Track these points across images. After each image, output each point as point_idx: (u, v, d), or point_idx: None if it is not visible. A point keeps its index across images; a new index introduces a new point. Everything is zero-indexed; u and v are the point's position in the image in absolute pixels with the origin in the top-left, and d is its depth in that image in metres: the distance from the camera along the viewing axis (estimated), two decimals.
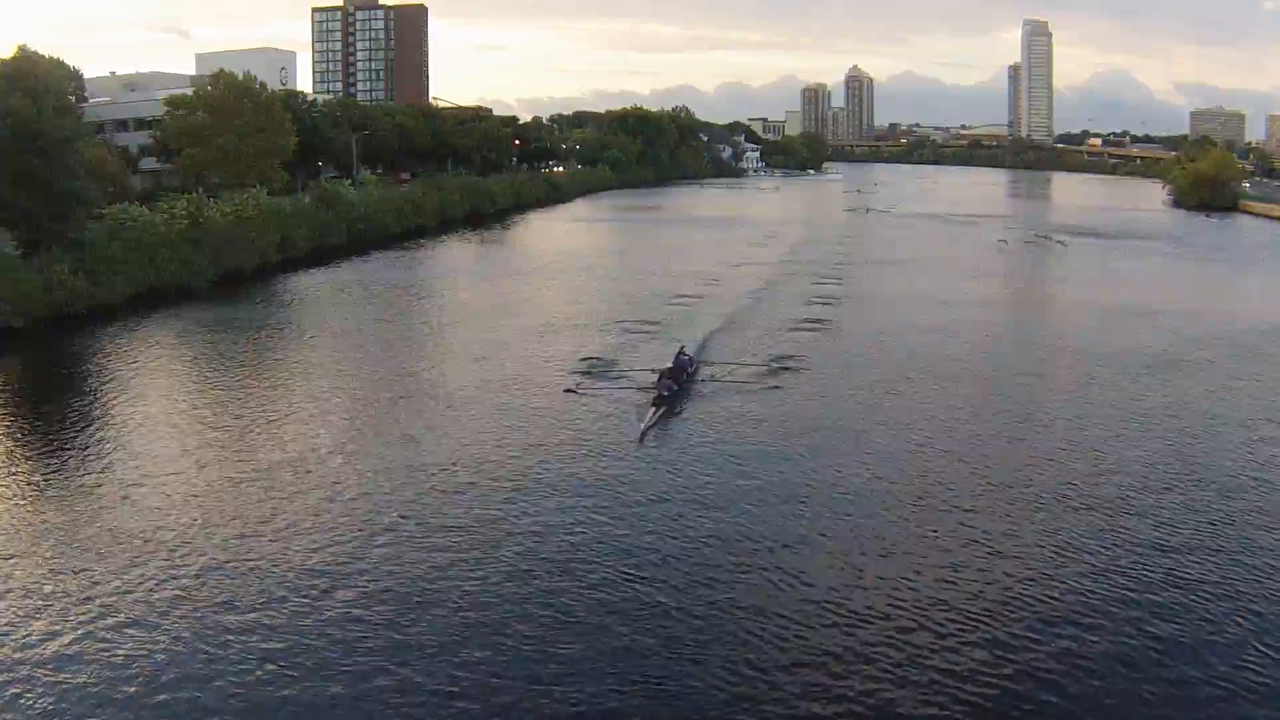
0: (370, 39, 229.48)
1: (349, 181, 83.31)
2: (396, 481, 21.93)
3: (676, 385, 28.27)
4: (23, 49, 49.33)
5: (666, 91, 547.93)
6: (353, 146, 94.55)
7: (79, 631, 15.29)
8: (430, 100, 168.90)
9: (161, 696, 13.68)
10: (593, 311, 44.13)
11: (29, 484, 22.14)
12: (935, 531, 19.33)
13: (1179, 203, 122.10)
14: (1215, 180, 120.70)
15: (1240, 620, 15.83)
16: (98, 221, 47.25)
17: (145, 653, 14.71)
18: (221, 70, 76.04)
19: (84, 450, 24.44)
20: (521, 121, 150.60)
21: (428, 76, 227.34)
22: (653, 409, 26.37)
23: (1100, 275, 60.65)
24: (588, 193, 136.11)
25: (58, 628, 15.42)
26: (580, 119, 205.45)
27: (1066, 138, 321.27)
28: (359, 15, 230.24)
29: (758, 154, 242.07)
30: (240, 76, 73.85)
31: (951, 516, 20.02)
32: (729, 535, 19.02)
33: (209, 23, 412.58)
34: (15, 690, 13.76)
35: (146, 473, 22.62)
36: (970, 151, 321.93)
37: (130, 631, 15.31)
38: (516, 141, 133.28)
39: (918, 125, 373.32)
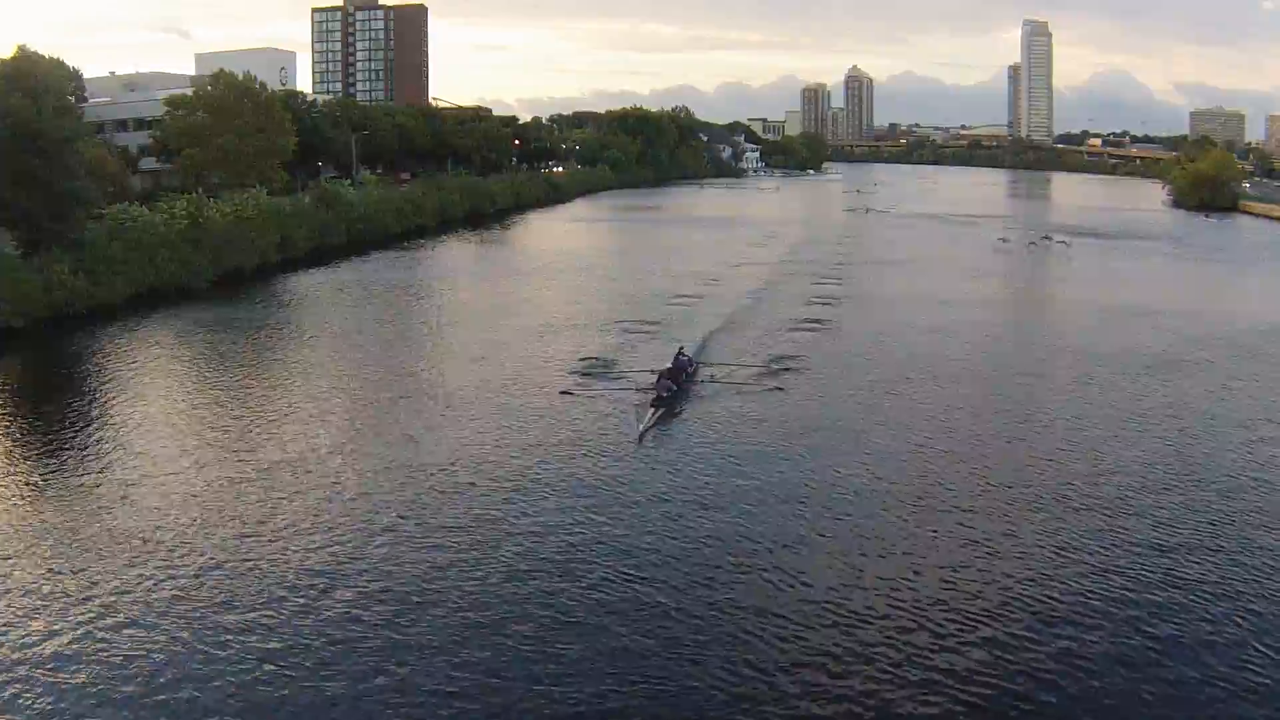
0: (370, 39, 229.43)
1: (349, 181, 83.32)
2: (396, 482, 21.93)
3: (676, 386, 28.25)
4: (23, 49, 49.29)
5: (666, 91, 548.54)
6: (352, 146, 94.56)
7: (78, 631, 15.29)
8: (430, 100, 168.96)
9: (161, 696, 13.68)
10: (592, 311, 44.14)
11: (29, 484, 22.14)
12: (935, 531, 19.34)
13: (1179, 203, 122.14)
14: (1215, 180, 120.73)
15: (1240, 620, 15.83)
16: (98, 221, 47.26)
17: (144, 652, 14.71)
18: (221, 70, 76.04)
19: (84, 450, 24.44)
20: (521, 121, 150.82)
21: (428, 76, 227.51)
22: (652, 409, 26.35)
23: (1100, 275, 60.66)
24: (587, 193, 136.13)
25: (57, 627, 15.42)
26: (580, 119, 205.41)
27: (1066, 138, 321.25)
28: (359, 15, 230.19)
29: (757, 154, 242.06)
30: (240, 76, 73.85)
31: (951, 516, 20.03)
32: (728, 536, 19.02)
33: (209, 23, 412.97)
34: (15, 690, 13.75)
35: (146, 473, 22.62)
36: (970, 152, 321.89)
37: (130, 631, 15.31)
38: (516, 141, 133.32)
39: (917, 125, 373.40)
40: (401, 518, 19.80)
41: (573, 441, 24.65)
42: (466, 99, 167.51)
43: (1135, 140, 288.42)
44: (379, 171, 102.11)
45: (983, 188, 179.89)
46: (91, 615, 15.79)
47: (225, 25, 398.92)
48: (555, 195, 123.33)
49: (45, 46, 71.85)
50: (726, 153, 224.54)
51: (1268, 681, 14.13)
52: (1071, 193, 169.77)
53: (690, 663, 14.54)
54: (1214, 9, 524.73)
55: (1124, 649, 14.96)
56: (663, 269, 60.20)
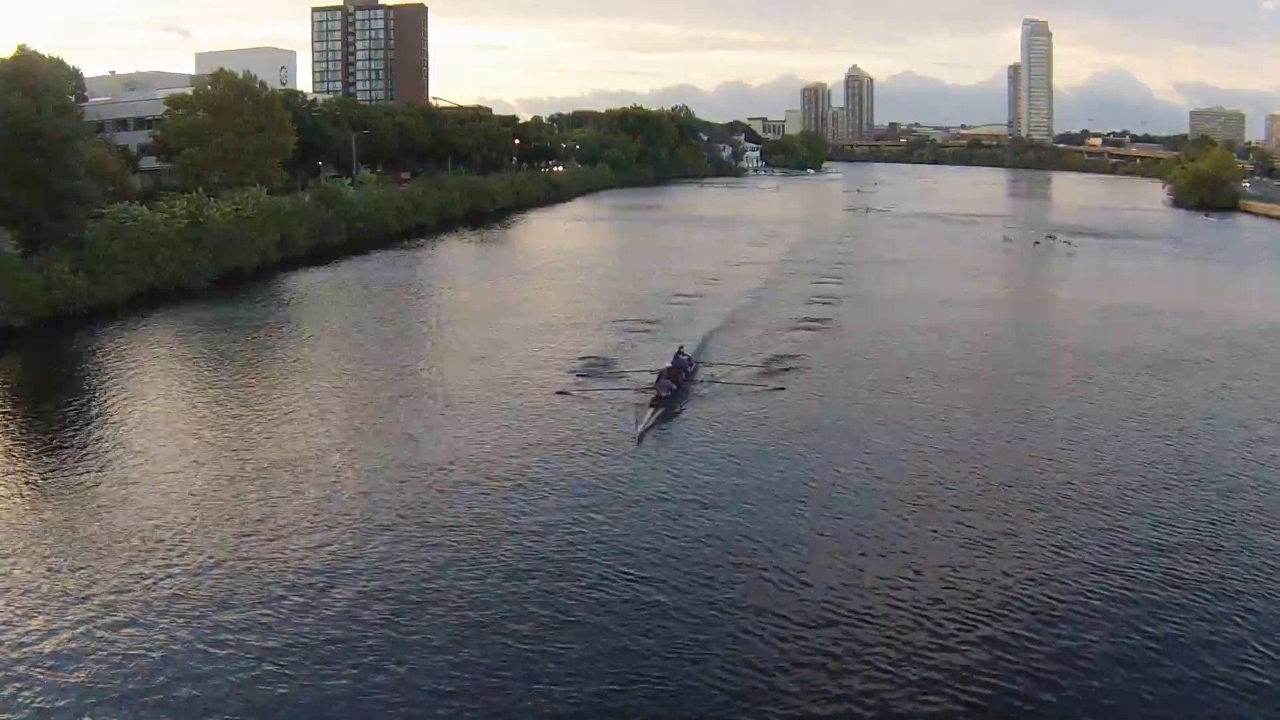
0: (370, 38, 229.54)
1: (349, 180, 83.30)
2: (395, 481, 21.93)
3: (675, 385, 28.22)
4: (23, 48, 49.34)
5: (666, 91, 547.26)
6: (352, 146, 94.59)
7: (78, 630, 15.29)
8: (430, 99, 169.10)
9: (161, 695, 13.68)
10: (592, 311, 44.13)
11: (29, 483, 22.14)
12: (935, 531, 19.33)
13: (1179, 202, 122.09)
14: (1215, 180, 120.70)
15: (1240, 620, 15.82)
16: (98, 221, 47.27)
17: (144, 651, 14.71)
18: (221, 70, 76.05)
19: (84, 449, 24.44)
20: (521, 121, 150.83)
21: (427, 76, 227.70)
22: (651, 409, 26.32)
23: (1100, 275, 60.66)
24: (587, 192, 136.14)
25: (57, 626, 15.42)
26: (580, 118, 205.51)
27: (1066, 137, 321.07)
28: (359, 15, 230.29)
29: (758, 153, 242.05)
30: (240, 76, 73.88)
31: (951, 516, 20.03)
32: (728, 535, 19.02)
33: (209, 22, 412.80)
34: (14, 689, 13.75)
35: (146, 472, 22.62)
36: (970, 151, 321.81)
37: (129, 630, 15.31)
38: (516, 141, 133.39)
39: (918, 125, 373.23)
40: (401, 517, 19.80)
41: (572, 441, 24.64)
42: (466, 98, 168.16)
43: (1135, 140, 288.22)
44: (379, 171, 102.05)
45: (983, 187, 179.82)
46: (91, 614, 15.80)
47: (225, 25, 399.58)
48: (555, 194, 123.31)
49: (45, 46, 71.71)
50: (726, 152, 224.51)
51: (1267, 681, 14.13)
52: (1072, 192, 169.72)
53: (690, 662, 14.54)
54: (1214, 9, 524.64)
55: (1124, 649, 14.96)
56: (663, 268, 60.21)
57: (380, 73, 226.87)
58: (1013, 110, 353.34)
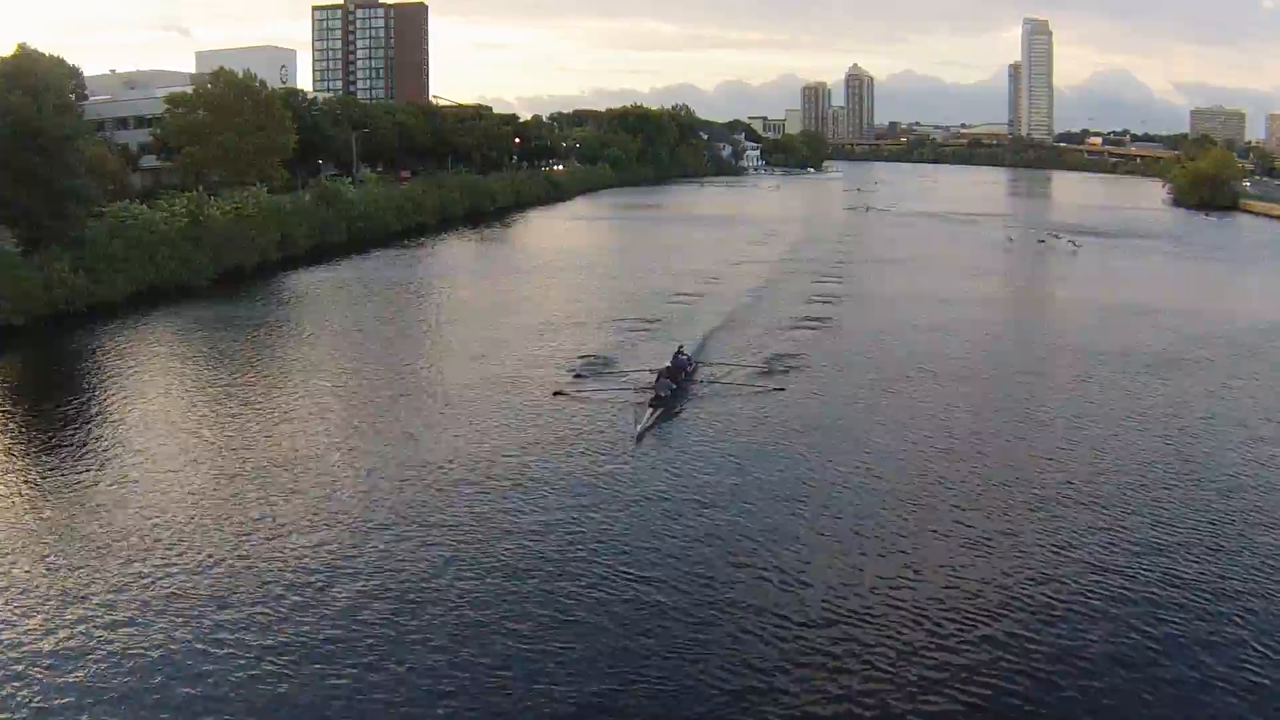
0: (370, 37, 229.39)
1: (349, 179, 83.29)
2: (395, 480, 21.92)
3: (675, 385, 28.20)
4: (23, 47, 49.31)
5: (666, 90, 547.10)
6: (353, 144, 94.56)
7: (77, 629, 15.30)
8: (430, 98, 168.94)
9: (160, 694, 13.68)
10: (592, 310, 44.13)
11: (29, 482, 22.14)
12: (935, 531, 19.33)
13: (1179, 201, 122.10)
14: (1215, 179, 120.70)
15: (1240, 620, 15.83)
16: (98, 219, 47.30)
17: (143, 650, 14.72)
18: (222, 68, 75.99)
19: (84, 448, 24.43)
20: (521, 120, 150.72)
21: (428, 75, 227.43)
22: (650, 409, 26.28)
23: (1100, 274, 60.65)
24: (588, 191, 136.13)
25: (57, 625, 15.43)
26: (580, 117, 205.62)
27: (1066, 137, 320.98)
28: (359, 13, 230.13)
29: (758, 152, 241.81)
30: (240, 75, 73.83)
31: (951, 516, 20.03)
32: (727, 535, 19.02)
33: (209, 22, 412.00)
34: (14, 688, 13.76)
35: (146, 470, 22.63)
36: (970, 150, 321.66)
37: (129, 629, 15.32)
38: (517, 140, 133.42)
39: (918, 124, 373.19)
40: (401, 516, 19.81)
41: (571, 441, 24.64)
42: (467, 97, 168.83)
43: (1135, 139, 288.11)
44: (379, 169, 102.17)
45: (983, 186, 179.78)
46: (91, 613, 15.80)
47: (226, 24, 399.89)
48: (555, 193, 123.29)
49: (46, 45, 71.88)
50: (727, 151, 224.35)
51: (1267, 681, 14.13)
52: (1072, 191, 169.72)
53: (690, 662, 14.54)
54: (1214, 9, 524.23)
55: (1124, 649, 14.96)
56: (662, 267, 60.20)
57: (380, 71, 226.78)
58: (1013, 109, 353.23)
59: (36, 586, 16.80)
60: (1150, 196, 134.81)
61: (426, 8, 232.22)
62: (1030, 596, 16.56)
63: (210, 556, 17.92)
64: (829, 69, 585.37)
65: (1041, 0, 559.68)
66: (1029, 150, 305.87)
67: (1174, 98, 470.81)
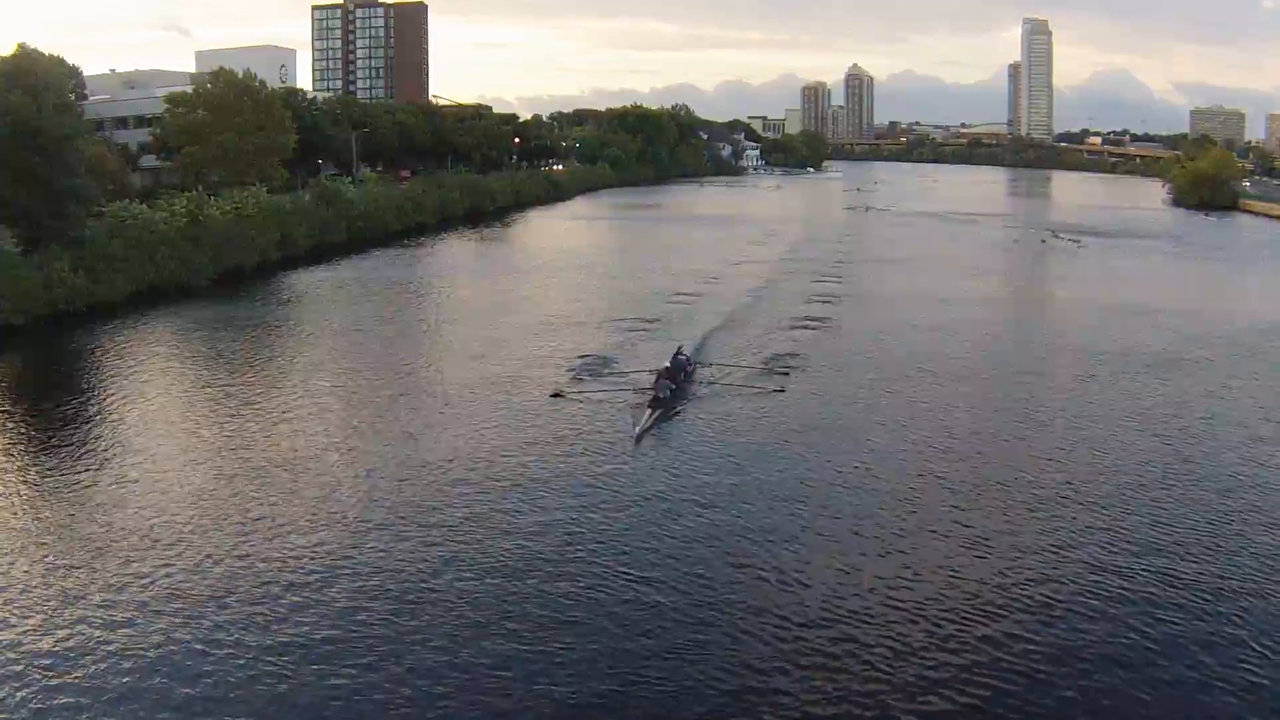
0: (370, 37, 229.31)
1: (349, 179, 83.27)
2: (395, 480, 21.93)
3: (674, 385, 28.17)
4: (22, 47, 49.28)
5: (666, 90, 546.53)
6: (352, 144, 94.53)
7: (77, 629, 15.30)
8: (430, 98, 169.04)
9: (159, 694, 13.69)
10: (592, 310, 44.12)
11: (29, 482, 22.15)
12: (935, 531, 19.34)
13: (1179, 201, 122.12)
14: (1215, 179, 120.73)
15: (1239, 620, 15.84)
16: (98, 219, 47.29)
17: (143, 650, 14.72)
18: (221, 68, 75.93)
19: (83, 448, 24.43)
20: (521, 119, 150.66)
21: (428, 74, 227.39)
22: (649, 410, 26.25)
23: (1100, 274, 60.67)
24: (587, 191, 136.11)
25: (56, 625, 15.43)
26: (580, 117, 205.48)
27: (1066, 136, 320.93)
28: (359, 13, 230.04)
29: (757, 152, 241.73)
30: (240, 74, 73.78)
31: (951, 516, 20.03)
32: (727, 536, 19.02)
33: (209, 21, 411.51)
34: (13, 688, 13.75)
35: (146, 470, 22.62)
36: (970, 150, 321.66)
37: (128, 629, 15.32)
38: (516, 139, 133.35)
39: (917, 124, 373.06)
40: (400, 516, 19.80)
41: (570, 441, 24.63)
42: (466, 97, 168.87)
43: (1135, 139, 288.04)
44: (379, 169, 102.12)
45: (982, 186, 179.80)
46: (90, 613, 15.81)
47: (226, 24, 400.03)
48: (555, 193, 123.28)
49: (45, 45, 72.04)
50: (726, 151, 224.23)
51: (1267, 681, 14.14)
52: (1071, 191, 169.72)
53: (689, 662, 14.55)
54: (1214, 9, 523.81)
55: (1124, 649, 14.97)
56: (662, 267, 60.20)
57: (380, 71, 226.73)
58: (1013, 109, 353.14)
59: (36, 586, 16.80)
60: (1150, 196, 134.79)
61: (426, 7, 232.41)
62: (1030, 596, 16.57)
63: (210, 556, 17.92)
64: (829, 69, 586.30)
65: (1041, 0, 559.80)
66: (1029, 150, 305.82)
67: (1174, 98, 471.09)
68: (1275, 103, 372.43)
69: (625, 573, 17.34)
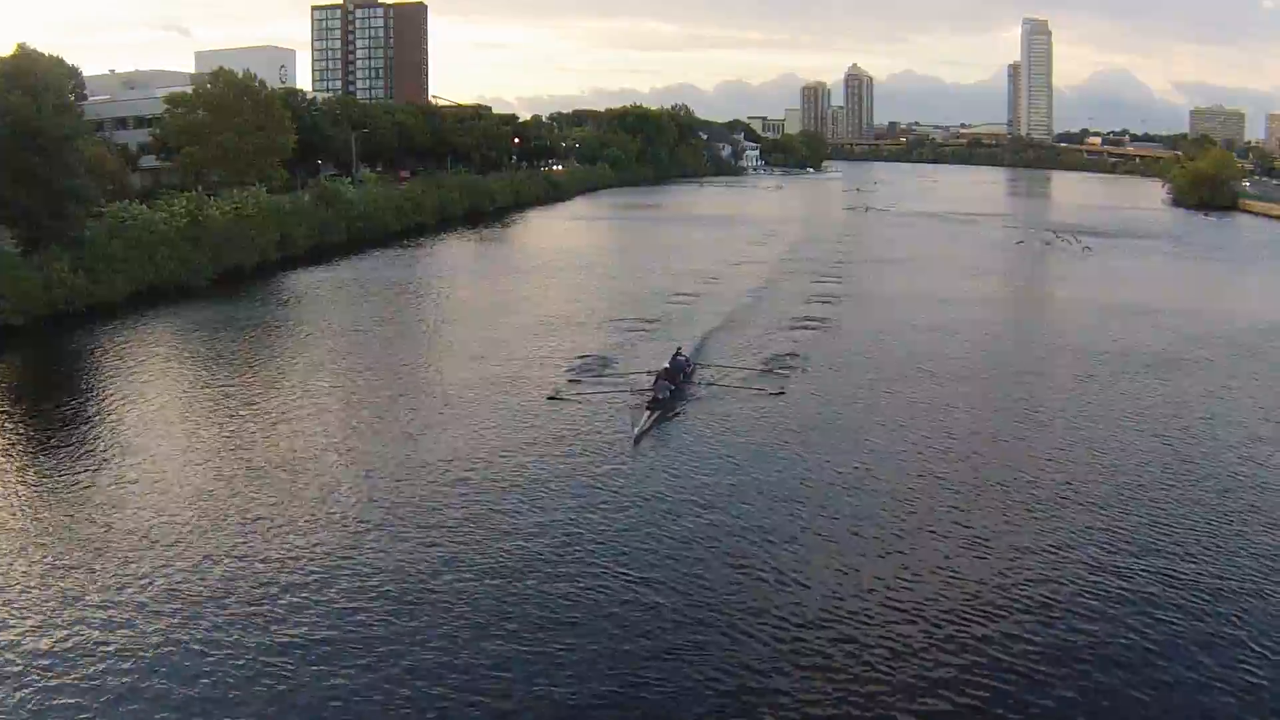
0: (370, 37, 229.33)
1: (348, 179, 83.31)
2: (394, 481, 21.93)
3: (673, 386, 28.14)
4: (22, 47, 49.24)
5: (666, 90, 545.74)
6: (352, 144, 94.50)
7: (77, 628, 15.30)
8: (430, 98, 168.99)
9: (159, 694, 13.68)
10: (591, 310, 44.12)
11: (29, 482, 22.15)
12: (934, 531, 19.33)
13: (1179, 201, 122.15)
14: (1215, 179, 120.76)
15: (1239, 620, 15.84)
16: (97, 219, 47.31)
17: (142, 650, 14.72)
18: (221, 68, 75.87)
19: (83, 448, 24.43)
20: (521, 120, 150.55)
21: (427, 74, 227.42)
22: (648, 411, 26.21)
23: (1100, 274, 60.66)
24: (587, 191, 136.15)
25: (55, 624, 15.42)
26: (580, 117, 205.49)
27: (1066, 137, 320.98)
28: (358, 13, 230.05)
29: (757, 152, 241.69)
30: (240, 74, 73.76)
31: (951, 516, 20.03)
32: (726, 537, 19.01)
33: (209, 22, 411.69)
34: (13, 688, 13.75)
35: (145, 470, 22.62)
36: (970, 150, 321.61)
37: (127, 629, 15.31)
38: (516, 140, 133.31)
39: (917, 124, 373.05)
40: (399, 517, 19.80)
41: (569, 443, 24.61)
42: (466, 97, 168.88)
43: (1135, 139, 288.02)
44: (379, 169, 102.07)
45: (982, 186, 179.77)
46: (90, 613, 15.80)
47: (225, 24, 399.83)
48: (555, 193, 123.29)
49: (45, 45, 71.80)
50: (726, 151, 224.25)
51: (1267, 681, 14.14)
52: (1071, 191, 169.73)
53: (688, 663, 14.54)
54: (1214, 9, 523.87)
55: (1123, 649, 14.97)
56: (662, 267, 60.21)
57: (380, 71, 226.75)
58: (1012, 109, 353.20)
59: (36, 586, 16.80)
60: (1150, 196, 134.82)
61: (426, 7, 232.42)
62: (1029, 596, 16.56)
63: (209, 557, 17.92)
64: (829, 69, 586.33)
65: (1041, 0, 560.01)
66: (1028, 150, 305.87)
67: (1174, 97, 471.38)
68: (1275, 103, 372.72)
69: (624, 574, 17.33)
